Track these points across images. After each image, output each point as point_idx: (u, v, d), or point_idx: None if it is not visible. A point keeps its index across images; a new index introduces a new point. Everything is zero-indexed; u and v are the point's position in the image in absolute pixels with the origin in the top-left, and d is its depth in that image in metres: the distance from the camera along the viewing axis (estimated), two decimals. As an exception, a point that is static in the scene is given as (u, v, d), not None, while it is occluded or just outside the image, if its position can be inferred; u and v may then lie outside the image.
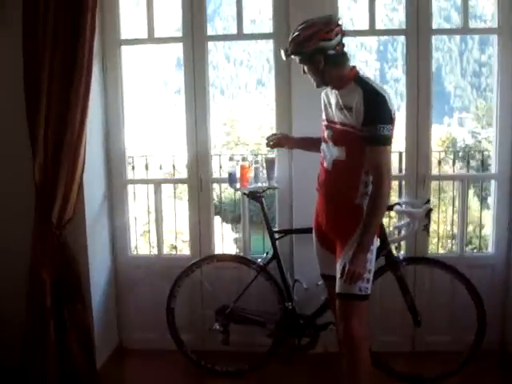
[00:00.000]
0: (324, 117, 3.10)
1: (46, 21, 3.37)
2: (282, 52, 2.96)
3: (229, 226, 15.55)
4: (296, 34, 2.88)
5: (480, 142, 28.36)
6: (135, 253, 4.47)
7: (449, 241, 10.00)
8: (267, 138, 3.53)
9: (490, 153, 4.52)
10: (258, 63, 41.89)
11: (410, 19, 3.82)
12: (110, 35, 3.99)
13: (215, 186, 5.14)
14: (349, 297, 2.89)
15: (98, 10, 3.49)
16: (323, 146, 3.07)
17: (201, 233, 4.18)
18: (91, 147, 3.68)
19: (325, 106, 3.10)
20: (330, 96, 3.04)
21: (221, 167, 5.67)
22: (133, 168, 4.84)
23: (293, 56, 2.92)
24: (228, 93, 40.21)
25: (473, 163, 6.54)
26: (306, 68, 2.92)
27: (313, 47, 2.82)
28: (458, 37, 32.80)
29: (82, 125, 3.47)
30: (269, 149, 3.69)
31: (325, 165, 3.04)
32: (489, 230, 4.24)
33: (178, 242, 7.46)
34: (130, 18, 4.22)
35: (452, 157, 7.31)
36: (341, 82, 2.90)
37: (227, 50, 41.75)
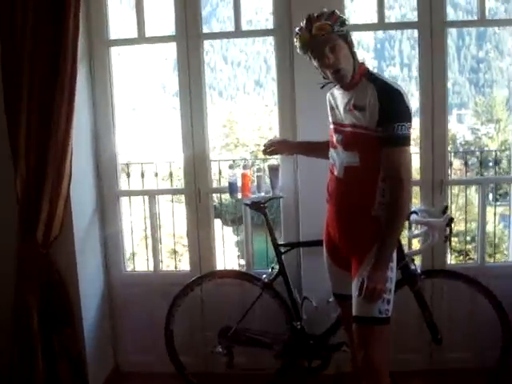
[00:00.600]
0: (331, 120, 2.84)
1: (24, 23, 3.11)
2: (317, 26, 2.54)
3: (230, 228, 15.27)
4: (324, 13, 2.59)
5: (480, 138, 28.20)
6: (130, 270, 4.16)
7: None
8: (264, 145, 3.25)
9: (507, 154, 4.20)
10: (256, 64, 41.90)
11: (422, 11, 3.56)
12: (98, 36, 3.73)
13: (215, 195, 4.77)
14: (368, 321, 2.60)
15: (83, 9, 3.28)
16: (332, 152, 2.80)
17: (200, 247, 3.90)
18: (79, 157, 3.45)
19: (331, 107, 2.84)
20: (336, 97, 2.78)
21: (220, 173, 5.39)
22: (128, 175, 4.64)
23: (334, 32, 2.55)
24: (226, 94, 40.18)
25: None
26: (339, 52, 2.56)
27: (346, 28, 2.58)
28: (455, 32, 32.76)
29: (66, 134, 3.20)
30: (268, 156, 3.37)
31: (335, 172, 2.76)
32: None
33: (179, 246, 7.18)
34: (119, 17, 3.92)
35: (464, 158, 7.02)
36: (352, 78, 2.62)
37: (224, 52, 41.73)
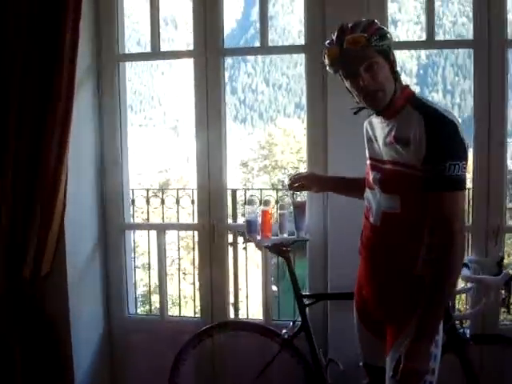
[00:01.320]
0: (368, 154, 2.39)
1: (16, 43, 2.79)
2: (350, 39, 2.11)
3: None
4: (361, 22, 2.15)
5: (525, 169, 27.29)
6: (134, 314, 3.70)
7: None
8: (290, 179, 2.81)
9: None
10: (297, 87, 42.20)
11: (478, 27, 3.10)
12: (106, 50, 3.39)
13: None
14: (404, 409, 2.09)
15: (91, 20, 3.12)
16: (368, 193, 2.36)
17: (213, 292, 3.47)
18: (79, 185, 3.22)
19: (368, 139, 2.39)
20: (374, 126, 2.34)
21: (245, 204, 4.94)
22: (133, 202, 4.26)
23: (372, 46, 2.11)
24: (266, 116, 40.45)
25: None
26: (376, 72, 2.12)
27: (388, 43, 2.16)
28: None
29: (59, 161, 2.86)
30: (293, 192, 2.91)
31: (371, 219, 2.31)
32: None
33: (189, 288, 6.75)
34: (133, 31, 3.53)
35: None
36: (392, 104, 2.17)
37: (266, 74, 42.09)
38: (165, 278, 3.63)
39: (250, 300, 7.02)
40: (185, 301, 7.48)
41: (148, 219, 5.22)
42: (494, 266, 2.87)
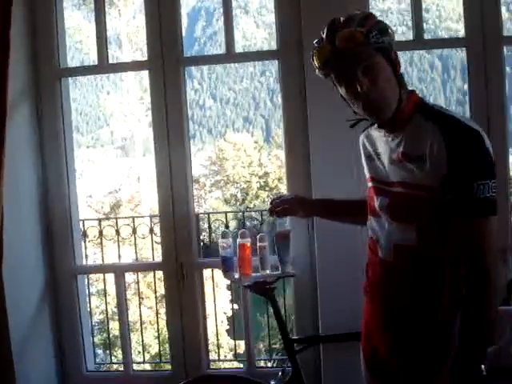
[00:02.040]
0: (368, 174, 1.99)
1: None
2: (344, 35, 1.72)
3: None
4: (356, 15, 1.77)
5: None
6: (93, 371, 3.19)
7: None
8: (271, 202, 2.36)
9: None
10: (245, 101, 42.44)
11: (471, 26, 2.81)
12: (45, 66, 2.95)
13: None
14: None
15: (25, 36, 2.81)
16: (372, 221, 1.96)
17: (185, 340, 3.00)
18: (19, 224, 2.81)
19: (368, 157, 2.00)
20: (375, 141, 1.95)
21: (213, 230, 4.50)
22: (84, 235, 3.82)
23: (370, 44, 1.72)
24: (215, 131, 40.55)
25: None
26: (375, 75, 1.74)
27: (390, 39, 1.77)
28: (440, 66, 32.39)
29: None
30: (275, 218, 2.47)
31: (379, 253, 1.90)
32: None
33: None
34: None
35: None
36: (398, 114, 1.79)
37: (213, 89, 42.18)
38: (127, 328, 3.13)
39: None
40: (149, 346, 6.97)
41: (102, 256, 4.69)
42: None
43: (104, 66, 2.94)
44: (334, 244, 2.69)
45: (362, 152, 2.04)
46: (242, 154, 27.37)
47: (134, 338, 7.61)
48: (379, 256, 1.89)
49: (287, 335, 2.60)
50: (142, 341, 5.09)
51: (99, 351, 8.45)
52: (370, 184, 1.96)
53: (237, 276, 2.69)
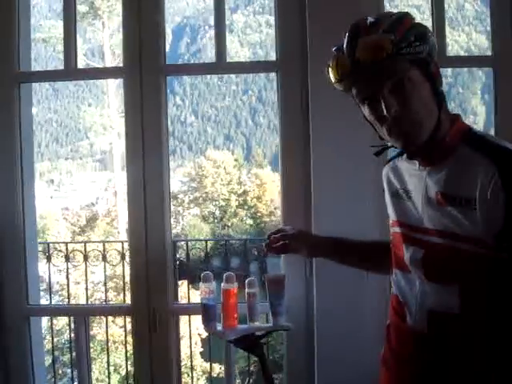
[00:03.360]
0: (394, 217, 1.60)
1: None
2: (367, 44, 1.36)
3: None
4: (385, 17, 1.41)
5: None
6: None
7: None
8: (269, 237, 1.97)
9: None
10: (226, 119, 42.79)
11: (500, 43, 2.47)
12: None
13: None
14: None
15: None
16: (399, 276, 1.57)
17: None
18: None
19: (394, 194, 1.61)
20: (403, 175, 1.57)
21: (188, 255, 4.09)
22: (48, 258, 3.57)
23: (402, 55, 1.36)
24: (196, 148, 40.75)
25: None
26: (408, 93, 1.37)
27: (428, 48, 1.39)
28: None
29: None
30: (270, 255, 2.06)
31: (408, 320, 1.51)
32: None
33: None
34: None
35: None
36: (436, 142, 1.43)
37: (195, 106, 42.36)
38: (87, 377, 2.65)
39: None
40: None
41: (68, 289, 4.21)
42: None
43: (71, 72, 2.52)
44: (336, 292, 2.31)
45: (385, 188, 1.65)
46: (222, 172, 27.38)
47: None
48: (408, 323, 1.50)
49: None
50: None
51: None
52: (396, 229, 1.57)
53: (220, 328, 2.24)
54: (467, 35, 32.91)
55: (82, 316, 2.63)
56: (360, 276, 2.07)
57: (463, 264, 1.37)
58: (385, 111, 1.34)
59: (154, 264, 2.48)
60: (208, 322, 2.24)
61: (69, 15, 2.55)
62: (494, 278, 1.33)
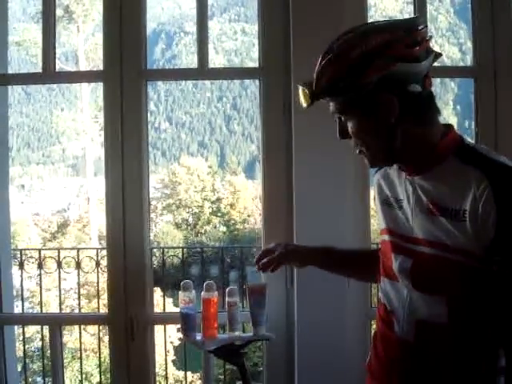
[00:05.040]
0: (384, 225, 1.59)
1: None
2: (302, 91, 1.45)
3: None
4: (344, 44, 1.39)
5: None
6: None
7: None
8: (257, 262, 1.89)
9: None
10: (200, 125, 42.83)
11: (480, 54, 2.52)
12: None
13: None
14: None
15: None
16: (387, 284, 1.57)
17: None
18: None
19: (384, 201, 1.60)
20: (394, 182, 1.56)
21: (164, 265, 4.03)
22: (20, 265, 3.58)
23: (326, 99, 1.44)
24: (169, 154, 40.65)
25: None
26: (352, 124, 1.44)
27: (380, 75, 1.36)
28: None
29: None
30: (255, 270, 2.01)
31: (396, 329, 1.50)
32: None
33: None
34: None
35: None
36: (428, 156, 1.42)
37: (169, 112, 42.28)
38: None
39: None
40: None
41: (41, 298, 4.12)
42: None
43: (49, 75, 2.47)
44: (317, 302, 2.29)
45: (376, 195, 1.63)
46: (196, 179, 27.32)
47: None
48: (395, 332, 1.48)
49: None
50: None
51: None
52: (385, 238, 1.56)
53: (199, 338, 2.20)
54: (440, 47, 33.46)
55: (58, 325, 2.58)
56: (341, 285, 2.07)
57: (452, 274, 1.36)
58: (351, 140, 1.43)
59: (133, 272, 2.45)
60: (188, 331, 2.20)
61: (48, 18, 2.51)
62: (482, 289, 1.33)
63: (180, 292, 2.21)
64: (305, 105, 1.44)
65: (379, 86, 1.35)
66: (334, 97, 1.39)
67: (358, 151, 1.45)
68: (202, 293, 2.22)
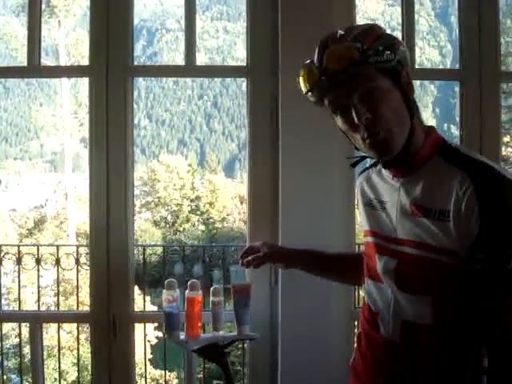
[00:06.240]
0: (367, 227, 1.59)
1: None
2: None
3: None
4: (355, 28, 1.41)
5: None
6: None
7: None
8: (244, 252, 1.91)
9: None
10: (181, 123, 42.65)
11: (467, 58, 2.51)
12: None
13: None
14: None
15: None
16: (371, 286, 1.56)
17: None
18: None
19: (367, 204, 1.60)
20: (376, 185, 1.57)
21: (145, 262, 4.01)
22: None
23: (369, 63, 1.35)
24: (149, 152, 40.47)
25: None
26: (367, 107, 1.35)
27: (401, 49, 1.38)
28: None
29: None
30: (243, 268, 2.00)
31: (382, 330, 1.49)
32: None
33: None
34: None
35: None
36: (414, 156, 1.43)
37: (149, 109, 42.08)
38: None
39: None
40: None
41: (19, 293, 4.05)
42: None
43: (34, 69, 2.43)
44: (301, 301, 2.26)
45: (359, 198, 1.63)
46: (175, 177, 27.18)
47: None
48: (381, 333, 1.48)
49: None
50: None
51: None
52: (369, 239, 1.56)
53: (182, 337, 2.18)
54: (420, 49, 33.81)
55: (38, 323, 2.54)
56: (326, 285, 2.02)
57: (436, 275, 1.36)
58: (356, 119, 1.33)
59: (115, 270, 2.41)
60: (171, 330, 2.18)
61: (33, 12, 2.46)
62: (466, 288, 1.33)
63: (164, 290, 2.19)
64: (306, 89, 1.41)
65: (401, 66, 1.37)
66: (375, 58, 1.34)
67: (370, 140, 1.37)
68: (187, 292, 2.20)
